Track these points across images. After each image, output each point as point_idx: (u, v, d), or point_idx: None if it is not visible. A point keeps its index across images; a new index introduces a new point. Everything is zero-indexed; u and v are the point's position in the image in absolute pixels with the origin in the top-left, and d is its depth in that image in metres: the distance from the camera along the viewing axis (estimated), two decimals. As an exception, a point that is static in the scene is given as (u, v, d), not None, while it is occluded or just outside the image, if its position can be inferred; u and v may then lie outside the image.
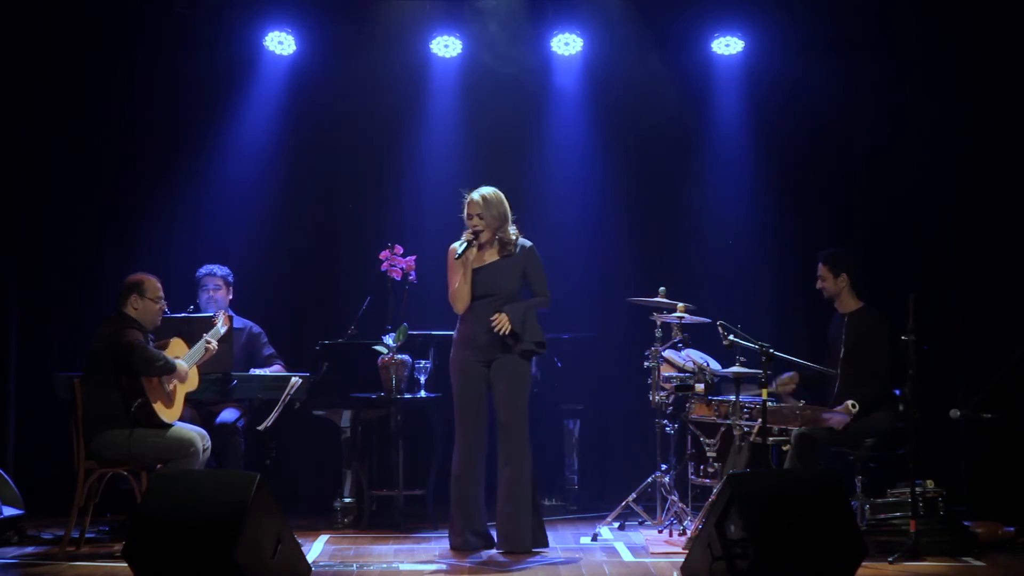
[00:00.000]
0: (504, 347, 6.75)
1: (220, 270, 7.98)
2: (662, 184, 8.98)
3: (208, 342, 6.98)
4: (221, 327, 7.12)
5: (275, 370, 7.81)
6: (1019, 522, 7.03)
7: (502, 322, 6.68)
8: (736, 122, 8.89)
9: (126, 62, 8.55)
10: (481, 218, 6.80)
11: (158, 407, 6.67)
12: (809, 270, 7.35)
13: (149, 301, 6.81)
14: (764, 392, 6.64)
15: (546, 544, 6.86)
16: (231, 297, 8.00)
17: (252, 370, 7.75)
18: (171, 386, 6.81)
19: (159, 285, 6.86)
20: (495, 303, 6.76)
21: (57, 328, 8.36)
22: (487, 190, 6.85)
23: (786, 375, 7.26)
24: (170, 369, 6.69)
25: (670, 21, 8.74)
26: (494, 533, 6.89)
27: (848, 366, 7.10)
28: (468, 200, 6.84)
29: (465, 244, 6.77)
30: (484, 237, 6.83)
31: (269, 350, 7.99)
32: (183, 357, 6.85)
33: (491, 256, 6.88)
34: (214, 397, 7.52)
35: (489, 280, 6.82)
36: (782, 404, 7.00)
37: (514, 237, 6.87)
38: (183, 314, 7.51)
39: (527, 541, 6.74)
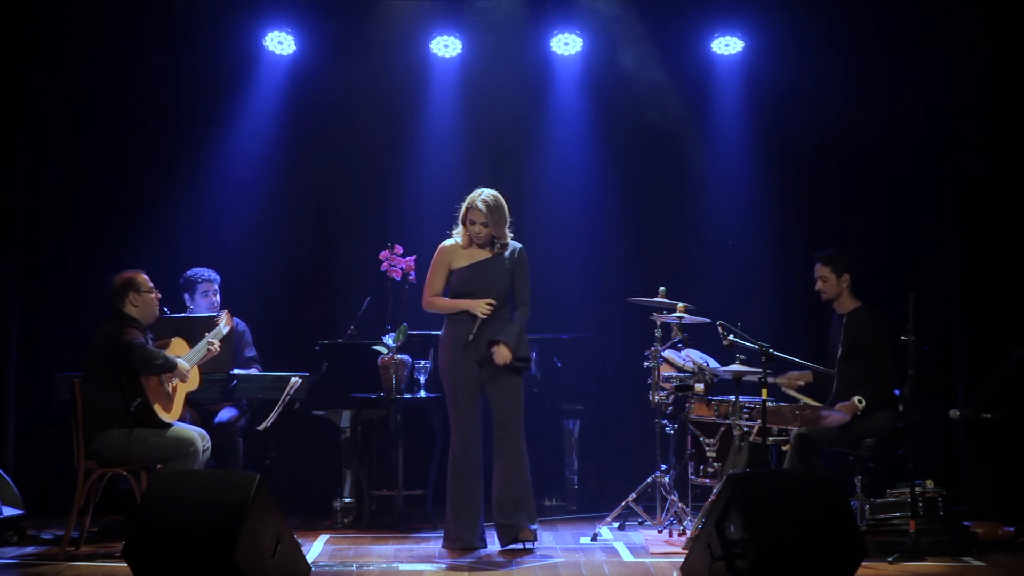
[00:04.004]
0: (491, 355, 6.74)
1: (214, 275, 7.93)
2: (662, 184, 8.97)
3: (210, 343, 6.97)
4: (223, 327, 7.12)
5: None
6: (1019, 522, 7.03)
7: (502, 355, 6.67)
8: (736, 122, 8.88)
9: (125, 62, 8.54)
10: (485, 226, 6.74)
11: (158, 407, 6.66)
12: (809, 270, 7.34)
13: (146, 295, 6.82)
14: (764, 392, 6.64)
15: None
16: (218, 300, 7.98)
17: (234, 370, 7.74)
18: (171, 386, 6.81)
19: (147, 277, 6.86)
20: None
21: (57, 328, 8.35)
22: (488, 196, 6.76)
23: (795, 372, 7.25)
24: (170, 367, 6.68)
25: (670, 21, 8.73)
26: (492, 533, 6.90)
27: (847, 366, 7.09)
28: (471, 207, 6.75)
29: (475, 317, 6.71)
30: (481, 240, 6.80)
31: (251, 352, 7.94)
32: (184, 356, 6.84)
33: (483, 253, 6.84)
34: (214, 397, 7.52)
35: (479, 277, 6.79)
36: (782, 404, 7.00)
37: (509, 237, 6.86)
38: (184, 314, 7.49)
39: (530, 531, 6.76)
